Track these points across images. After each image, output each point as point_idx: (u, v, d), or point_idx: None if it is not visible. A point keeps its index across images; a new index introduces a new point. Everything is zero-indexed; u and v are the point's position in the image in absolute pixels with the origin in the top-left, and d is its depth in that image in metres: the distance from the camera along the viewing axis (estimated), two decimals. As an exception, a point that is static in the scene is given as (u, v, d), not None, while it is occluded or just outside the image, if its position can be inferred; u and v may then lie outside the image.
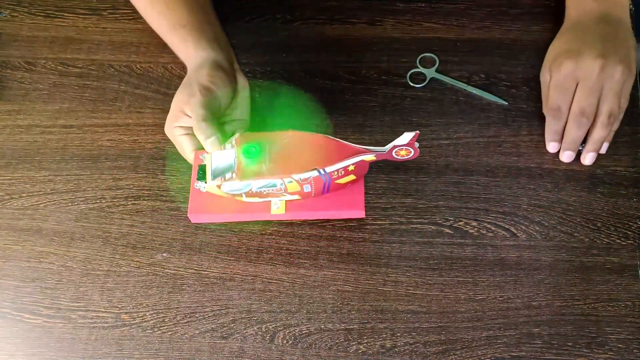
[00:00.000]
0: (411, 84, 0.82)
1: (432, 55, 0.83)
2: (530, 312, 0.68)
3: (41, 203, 0.77)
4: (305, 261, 0.72)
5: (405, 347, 0.67)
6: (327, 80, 0.83)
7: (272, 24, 0.88)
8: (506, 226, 0.73)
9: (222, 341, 0.69)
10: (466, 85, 0.81)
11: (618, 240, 0.71)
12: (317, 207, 0.71)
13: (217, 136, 0.67)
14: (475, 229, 0.73)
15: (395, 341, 0.68)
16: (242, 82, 0.75)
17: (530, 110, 0.79)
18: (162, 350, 0.69)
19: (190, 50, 0.75)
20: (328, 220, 0.74)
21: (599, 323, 0.67)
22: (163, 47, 0.86)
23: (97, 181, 0.78)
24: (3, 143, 0.82)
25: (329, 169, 0.66)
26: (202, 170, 0.68)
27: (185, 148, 0.72)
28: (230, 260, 0.73)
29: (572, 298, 0.69)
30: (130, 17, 0.90)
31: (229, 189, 0.67)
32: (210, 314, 0.70)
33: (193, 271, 0.72)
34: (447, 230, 0.73)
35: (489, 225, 0.73)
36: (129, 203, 0.77)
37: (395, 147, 0.65)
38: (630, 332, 0.67)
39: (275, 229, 0.74)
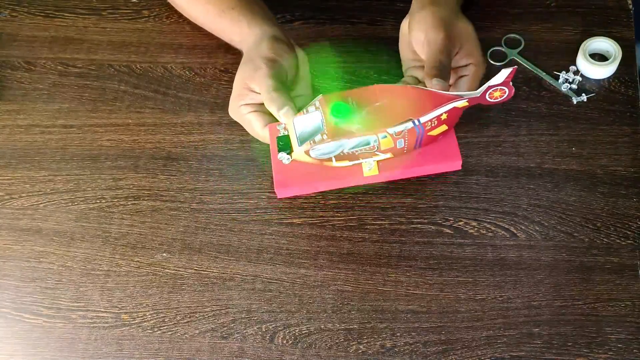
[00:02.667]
0: (491, 62, 0.82)
1: (517, 36, 0.84)
2: (530, 312, 0.68)
3: (41, 203, 0.77)
4: (305, 261, 0.72)
5: (405, 347, 0.67)
6: (327, 80, 0.83)
7: (272, 24, 0.88)
8: (506, 226, 0.73)
9: (222, 341, 0.69)
10: (543, 72, 0.81)
11: (618, 240, 0.71)
12: (412, 164, 0.68)
13: (290, 105, 0.66)
14: (475, 229, 0.73)
15: (395, 341, 0.68)
16: (301, 55, 0.76)
17: (530, 110, 0.79)
18: (162, 350, 0.69)
19: (245, 29, 0.75)
20: (328, 220, 0.74)
21: (599, 323, 0.67)
22: (163, 47, 0.86)
23: (97, 181, 0.78)
24: (3, 143, 0.82)
25: (423, 119, 0.63)
26: (281, 141, 0.65)
27: (255, 126, 0.72)
28: (230, 260, 0.73)
29: (572, 298, 0.69)
30: (130, 17, 0.90)
31: (318, 153, 0.64)
32: (210, 314, 0.70)
33: (193, 271, 0.72)
34: (447, 230, 0.73)
35: (488, 225, 0.73)
36: (129, 203, 0.77)
37: (489, 88, 0.62)
38: (630, 332, 0.67)
39: (275, 229, 0.74)
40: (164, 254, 0.73)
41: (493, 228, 0.73)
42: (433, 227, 0.73)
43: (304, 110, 0.65)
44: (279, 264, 0.72)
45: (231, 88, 0.83)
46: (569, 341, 0.67)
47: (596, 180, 0.75)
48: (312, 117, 0.64)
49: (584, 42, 0.81)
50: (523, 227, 0.72)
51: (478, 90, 0.63)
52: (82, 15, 0.91)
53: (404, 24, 0.77)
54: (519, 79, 0.81)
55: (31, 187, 0.79)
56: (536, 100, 0.80)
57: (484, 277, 0.70)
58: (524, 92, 0.81)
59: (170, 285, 0.72)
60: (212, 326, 0.70)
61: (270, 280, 0.71)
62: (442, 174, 0.76)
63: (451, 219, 0.73)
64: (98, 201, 0.77)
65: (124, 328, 0.70)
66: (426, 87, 0.67)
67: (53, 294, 0.72)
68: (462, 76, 0.72)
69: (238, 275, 0.72)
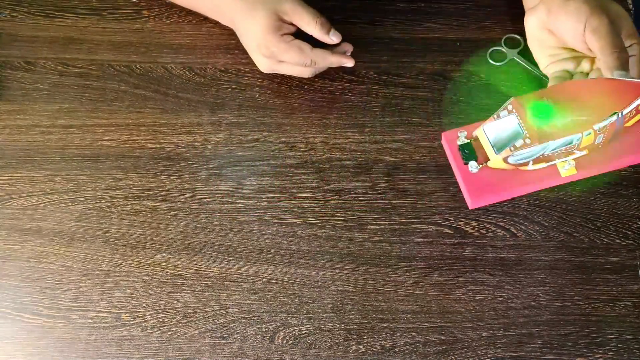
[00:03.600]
0: (490, 61, 0.82)
1: (517, 36, 0.83)
2: (530, 312, 0.68)
3: (41, 203, 0.77)
4: (305, 261, 0.72)
5: (405, 347, 0.67)
6: (327, 80, 0.83)
7: (272, 24, 0.88)
8: (506, 226, 0.73)
9: (222, 341, 0.69)
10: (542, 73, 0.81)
11: (618, 240, 0.71)
12: (610, 160, 0.66)
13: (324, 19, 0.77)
14: (475, 229, 0.73)
15: (395, 341, 0.68)
16: None
17: (530, 110, 0.79)
18: (162, 350, 0.69)
19: None
20: (328, 221, 0.74)
21: (599, 323, 0.67)
22: (163, 47, 0.86)
23: (97, 181, 0.78)
24: (3, 143, 0.82)
25: (625, 111, 0.61)
26: (466, 149, 0.64)
27: (304, 46, 0.77)
28: (230, 260, 0.73)
29: (572, 298, 0.69)
30: (130, 17, 0.90)
31: (518, 158, 0.62)
32: (210, 314, 0.70)
33: (193, 271, 0.72)
34: (447, 230, 0.73)
35: (489, 225, 0.73)
36: (129, 203, 0.77)
37: None
38: (630, 332, 0.67)
39: (275, 229, 0.74)
40: (164, 254, 0.73)
41: (493, 228, 0.73)
42: (433, 227, 0.73)
43: (494, 116, 0.63)
44: (279, 264, 0.72)
45: (231, 88, 0.83)
46: (569, 341, 0.67)
47: (596, 180, 0.75)
48: (507, 122, 0.62)
49: (584, 42, 0.81)
50: (523, 227, 0.72)
51: None
52: (82, 15, 0.91)
53: (531, 21, 0.74)
54: (519, 79, 0.81)
55: (31, 187, 0.79)
56: (536, 100, 0.80)
57: (484, 277, 0.70)
58: (524, 92, 0.80)
59: (170, 285, 0.72)
60: (212, 326, 0.70)
61: (270, 281, 0.71)
62: (444, 174, 0.75)
63: (451, 219, 0.73)
64: (98, 201, 0.77)
65: (124, 328, 0.70)
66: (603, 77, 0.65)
67: (53, 294, 0.72)
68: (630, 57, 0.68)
69: (238, 275, 0.72)
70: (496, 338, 0.67)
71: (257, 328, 0.69)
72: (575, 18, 0.68)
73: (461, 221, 0.73)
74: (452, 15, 0.87)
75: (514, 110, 0.63)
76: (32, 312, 0.72)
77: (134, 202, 0.77)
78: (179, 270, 0.73)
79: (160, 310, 0.71)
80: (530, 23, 0.75)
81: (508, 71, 0.82)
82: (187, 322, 0.70)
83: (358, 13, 0.88)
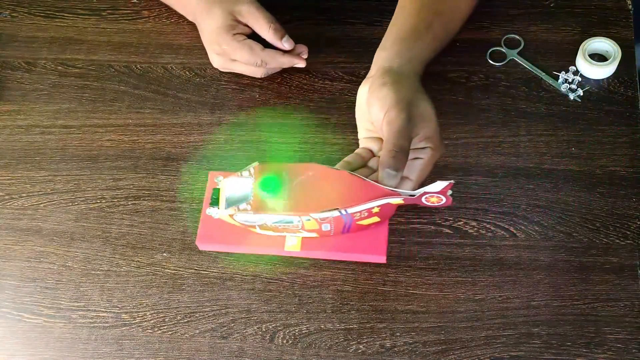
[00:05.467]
0: (490, 61, 0.82)
1: (517, 36, 0.84)
2: (529, 312, 0.68)
3: (41, 203, 0.78)
4: (305, 261, 0.72)
5: (405, 347, 0.67)
6: (327, 80, 0.83)
7: (271, 24, 0.88)
8: (505, 226, 0.73)
9: (222, 341, 0.69)
10: (542, 72, 0.81)
11: (617, 241, 0.71)
12: (335, 248, 0.68)
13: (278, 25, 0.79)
14: (475, 228, 0.73)
15: (395, 341, 0.68)
16: None
17: (529, 111, 0.79)
18: (162, 350, 0.69)
19: None
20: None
21: (598, 323, 0.67)
22: (162, 47, 0.87)
23: (97, 181, 0.78)
24: (3, 143, 0.82)
25: (351, 210, 0.62)
26: (215, 195, 0.65)
27: (255, 46, 0.79)
28: (230, 260, 0.73)
29: (571, 298, 0.69)
30: (130, 18, 0.90)
31: (242, 219, 0.64)
32: (210, 314, 0.70)
33: (193, 271, 0.73)
34: (447, 230, 0.73)
35: (488, 225, 0.73)
36: (129, 203, 0.77)
37: (425, 193, 0.62)
38: (629, 332, 0.67)
39: (274, 229, 0.74)
40: (164, 254, 0.74)
41: (492, 228, 0.73)
42: (432, 227, 0.73)
43: (239, 173, 0.65)
44: (279, 264, 0.72)
45: (231, 88, 0.83)
46: (568, 341, 0.67)
47: (595, 180, 0.75)
48: (243, 183, 0.64)
49: (584, 43, 0.81)
50: (522, 227, 0.73)
51: (415, 192, 0.62)
52: (82, 15, 0.91)
53: (362, 91, 0.70)
54: (519, 79, 0.82)
55: (31, 187, 0.79)
56: (535, 100, 0.80)
57: (483, 277, 0.70)
58: (524, 92, 0.81)
59: (170, 285, 0.72)
60: (212, 326, 0.70)
61: (269, 280, 0.72)
62: (443, 174, 0.76)
63: (450, 219, 0.74)
64: (98, 201, 0.77)
65: (124, 328, 0.70)
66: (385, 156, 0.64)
67: (53, 294, 0.72)
68: (417, 158, 0.66)
69: (238, 275, 0.72)
70: (495, 338, 0.67)
71: (256, 328, 0.69)
72: (381, 105, 0.66)
73: (460, 221, 0.73)
74: (452, 16, 0.87)
75: (253, 175, 0.64)
76: (32, 312, 0.72)
77: (134, 202, 0.77)
78: (179, 270, 0.73)
79: (160, 310, 0.71)
80: (360, 92, 0.71)
81: (508, 71, 0.82)
82: (187, 321, 0.70)
83: (357, 13, 0.88)
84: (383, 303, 0.70)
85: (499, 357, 0.66)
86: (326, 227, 0.65)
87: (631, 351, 0.66)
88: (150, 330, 0.70)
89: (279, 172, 0.64)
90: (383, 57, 0.72)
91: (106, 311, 0.71)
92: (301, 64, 0.81)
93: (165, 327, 0.70)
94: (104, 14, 0.91)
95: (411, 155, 0.65)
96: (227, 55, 0.80)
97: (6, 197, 0.78)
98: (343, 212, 0.62)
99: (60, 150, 0.81)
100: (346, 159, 0.68)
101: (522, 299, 0.69)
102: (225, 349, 0.69)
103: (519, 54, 0.83)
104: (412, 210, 0.74)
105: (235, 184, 0.65)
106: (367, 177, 0.64)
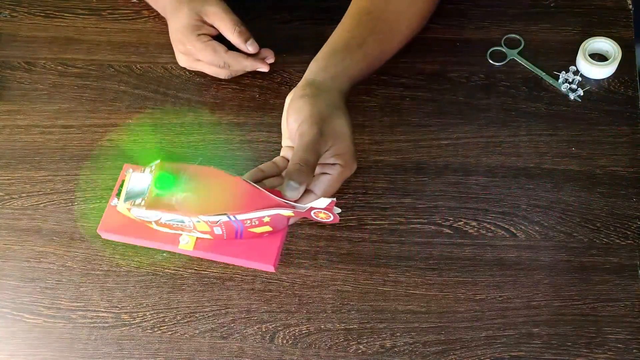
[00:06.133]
0: (490, 61, 0.82)
1: (517, 36, 0.84)
2: (530, 312, 0.68)
3: (41, 203, 0.78)
4: (305, 261, 0.72)
5: (405, 347, 0.67)
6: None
7: (271, 24, 0.88)
8: (505, 226, 0.73)
9: (222, 341, 0.69)
10: (542, 72, 0.81)
11: (617, 241, 0.71)
12: (226, 252, 0.67)
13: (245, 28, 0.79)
14: (475, 229, 0.73)
15: (395, 341, 0.68)
16: None
17: (529, 111, 0.79)
18: (162, 350, 0.69)
19: None
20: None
21: (598, 323, 0.67)
22: (162, 47, 0.87)
23: (97, 181, 0.78)
24: (3, 143, 0.82)
25: (240, 217, 0.63)
26: (121, 187, 0.66)
27: (219, 48, 0.79)
28: (230, 260, 0.73)
29: (571, 298, 0.69)
30: (130, 18, 0.90)
31: (138, 214, 0.65)
32: (210, 314, 0.70)
33: (193, 271, 0.73)
34: (447, 230, 0.73)
35: (488, 225, 0.73)
36: (128, 203, 0.77)
37: (313, 208, 0.62)
38: (629, 332, 0.67)
39: (274, 229, 0.74)
40: (164, 254, 0.73)
41: (492, 228, 0.73)
42: (432, 227, 0.73)
43: (143, 168, 0.65)
44: (279, 264, 0.72)
45: (231, 88, 0.83)
46: (568, 341, 0.67)
47: (595, 180, 0.75)
48: (143, 179, 0.65)
49: (584, 42, 0.81)
50: (522, 227, 0.73)
51: (304, 206, 0.62)
52: (82, 15, 0.91)
53: (287, 100, 0.70)
54: (519, 79, 0.81)
55: (31, 187, 0.79)
56: (535, 100, 0.80)
57: (483, 277, 0.70)
58: (524, 92, 0.81)
59: (170, 285, 0.72)
60: (212, 326, 0.70)
61: (269, 280, 0.72)
62: (443, 174, 0.76)
63: (451, 219, 0.74)
64: (98, 201, 0.77)
65: (124, 328, 0.70)
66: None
67: (53, 294, 0.72)
68: (325, 173, 0.66)
69: (238, 275, 0.72)
70: (495, 338, 0.67)
71: (256, 328, 0.69)
72: (297, 116, 0.66)
73: (460, 221, 0.73)
74: (451, 15, 0.87)
75: (153, 172, 0.64)
76: (32, 312, 0.72)
77: (133, 202, 0.77)
78: (179, 270, 0.73)
79: (160, 310, 0.71)
80: (287, 99, 0.70)
81: (508, 71, 0.82)
82: (187, 322, 0.70)
83: (357, 13, 0.88)
84: (383, 303, 0.70)
85: (499, 357, 0.66)
86: (218, 230, 0.65)
87: (631, 351, 0.66)
88: (150, 331, 0.70)
89: (177, 172, 0.64)
90: (312, 68, 0.72)
91: (106, 311, 0.71)
92: (264, 69, 0.81)
93: (165, 327, 0.70)
94: (103, 13, 0.91)
95: (319, 170, 0.66)
96: (192, 54, 0.81)
97: (6, 197, 0.78)
98: (232, 217, 0.63)
99: (60, 150, 0.81)
100: (260, 166, 0.68)
101: (523, 299, 0.69)
102: (225, 349, 0.69)
103: (519, 53, 0.83)
104: (412, 210, 0.74)
105: (138, 179, 0.65)
106: (275, 187, 0.65)
